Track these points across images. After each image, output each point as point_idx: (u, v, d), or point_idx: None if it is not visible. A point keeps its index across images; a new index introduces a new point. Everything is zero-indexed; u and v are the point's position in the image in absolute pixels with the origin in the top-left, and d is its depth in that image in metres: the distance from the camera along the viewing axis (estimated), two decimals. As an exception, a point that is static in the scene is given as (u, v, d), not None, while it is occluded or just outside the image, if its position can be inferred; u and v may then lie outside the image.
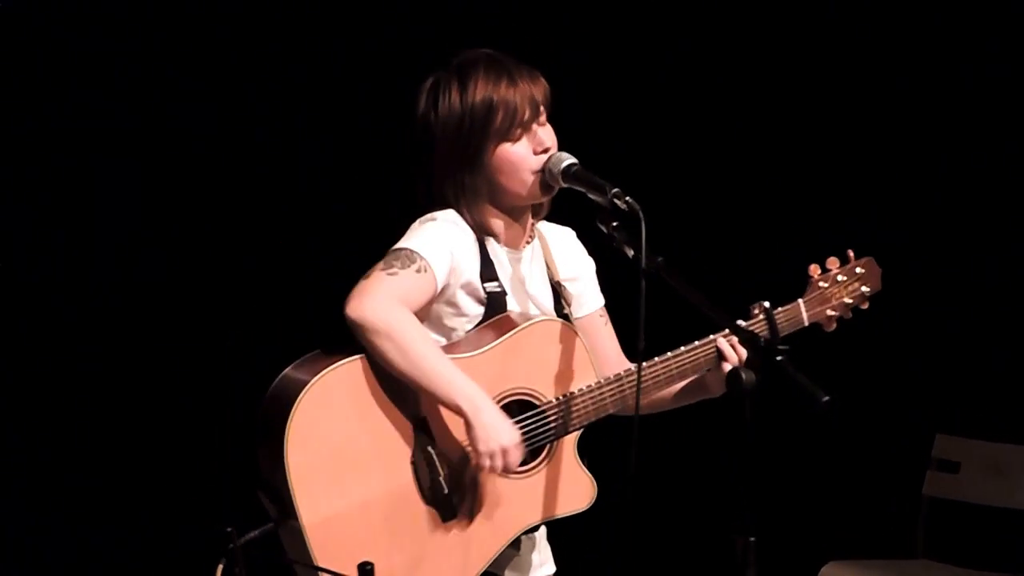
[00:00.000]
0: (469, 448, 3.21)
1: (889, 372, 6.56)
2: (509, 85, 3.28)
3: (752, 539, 2.97)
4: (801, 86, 6.62)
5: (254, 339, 7.59)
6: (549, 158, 3.30)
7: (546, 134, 3.32)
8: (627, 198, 3.16)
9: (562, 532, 3.48)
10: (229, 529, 3.02)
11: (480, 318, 3.31)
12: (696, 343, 3.36)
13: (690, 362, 3.36)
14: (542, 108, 3.32)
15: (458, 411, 3.16)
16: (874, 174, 6.55)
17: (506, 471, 3.19)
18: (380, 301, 3.14)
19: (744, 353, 3.31)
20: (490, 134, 3.27)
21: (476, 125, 3.27)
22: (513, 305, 3.34)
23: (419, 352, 3.14)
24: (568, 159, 3.29)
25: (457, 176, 3.30)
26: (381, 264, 3.21)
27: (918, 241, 6.40)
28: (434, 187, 3.33)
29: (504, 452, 3.16)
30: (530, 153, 3.30)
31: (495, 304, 3.31)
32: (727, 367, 3.34)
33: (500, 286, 3.33)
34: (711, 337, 3.37)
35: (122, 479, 8.01)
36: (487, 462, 3.16)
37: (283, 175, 7.85)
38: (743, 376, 3.03)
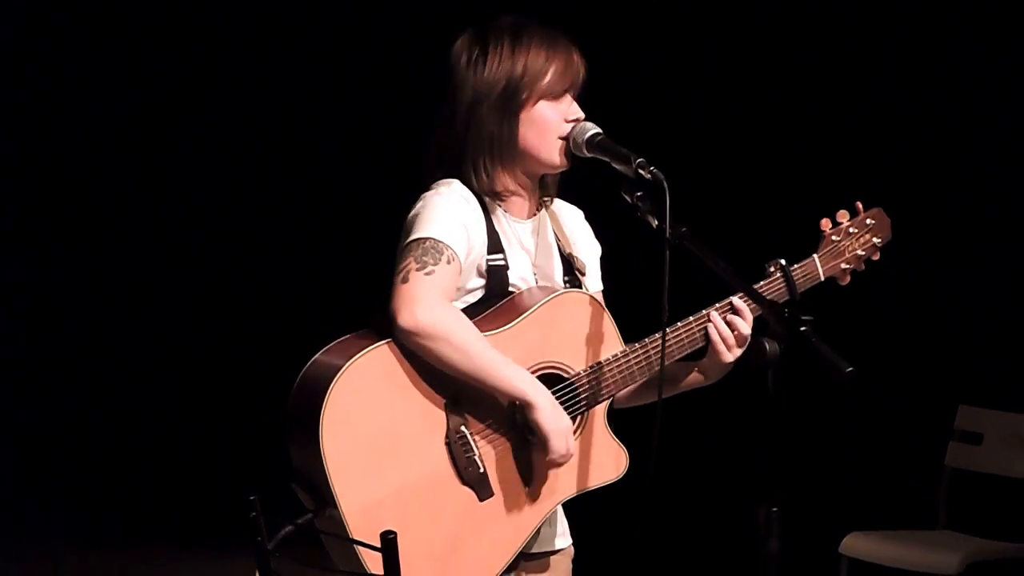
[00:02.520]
0: (504, 423, 3.23)
1: (912, 343, 6.55)
2: (564, 50, 3.32)
3: (775, 509, 2.96)
4: (813, 54, 6.63)
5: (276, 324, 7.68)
6: (574, 127, 3.30)
7: (576, 109, 3.34)
8: (651, 168, 3.16)
9: (579, 506, 3.47)
10: (252, 498, 3.02)
11: (481, 293, 3.31)
12: (703, 311, 3.34)
13: (699, 330, 3.34)
14: (580, 83, 3.34)
15: (524, 402, 3.20)
16: (894, 139, 6.54)
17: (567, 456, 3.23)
18: (430, 306, 3.16)
19: (744, 329, 3.29)
20: (538, 88, 3.29)
21: (528, 76, 3.28)
22: (515, 278, 3.33)
23: (476, 351, 3.17)
24: (593, 129, 3.29)
25: (493, 130, 3.29)
26: (413, 263, 3.20)
27: (941, 211, 6.39)
28: (457, 143, 3.32)
29: (568, 444, 3.22)
30: (561, 119, 3.31)
31: (495, 277, 3.31)
32: (721, 353, 3.31)
33: (504, 259, 3.32)
34: (727, 301, 3.34)
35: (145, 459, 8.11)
36: (563, 449, 3.21)
37: (285, 173, 7.93)
38: (767, 347, 3.02)
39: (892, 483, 6.55)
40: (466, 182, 3.33)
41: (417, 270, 3.19)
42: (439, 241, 3.22)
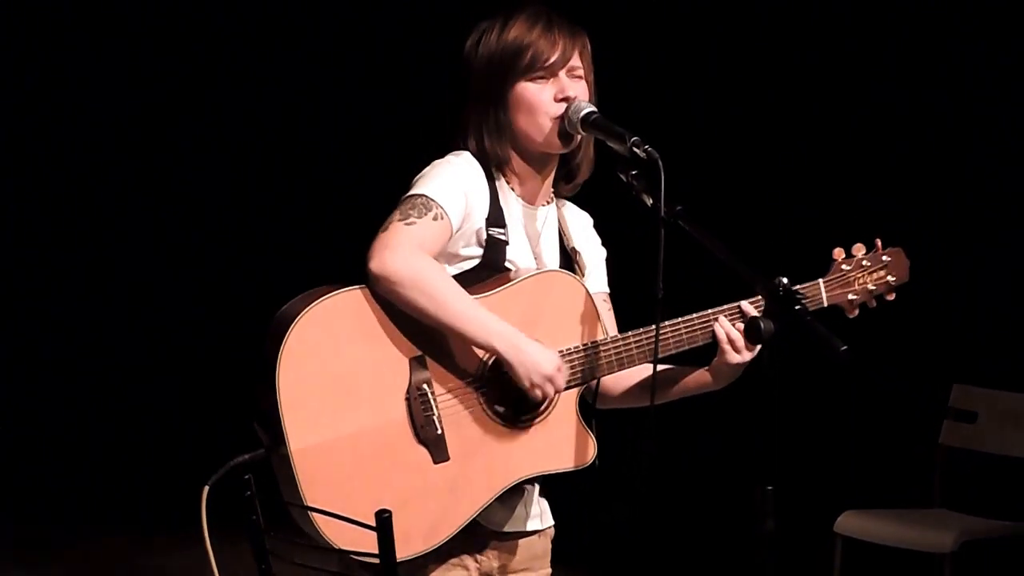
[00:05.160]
0: (469, 390, 3.21)
1: (906, 322, 6.55)
2: (543, 31, 3.30)
3: (770, 488, 2.96)
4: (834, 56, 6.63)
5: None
6: (569, 106, 3.28)
7: (573, 86, 3.31)
8: (646, 147, 3.14)
9: (561, 486, 3.46)
10: (247, 476, 3.02)
11: (477, 261, 3.29)
12: (708, 311, 3.31)
13: (700, 329, 3.30)
14: (573, 61, 3.32)
15: (493, 351, 3.17)
16: (894, 135, 6.55)
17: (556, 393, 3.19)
18: (401, 252, 3.14)
19: (741, 340, 3.25)
20: (515, 71, 3.28)
21: (505, 61, 3.28)
22: (515, 256, 3.32)
23: (447, 298, 3.14)
24: (588, 108, 3.28)
25: (487, 112, 3.30)
26: (397, 214, 3.19)
27: (936, 194, 6.39)
28: (464, 123, 3.33)
29: (550, 379, 3.17)
30: (551, 99, 3.29)
31: (494, 250, 3.29)
32: (727, 353, 3.27)
33: (505, 234, 3.31)
34: (723, 307, 3.31)
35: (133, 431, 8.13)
36: (539, 394, 3.17)
37: (286, 173, 7.95)
38: (762, 326, 3.02)
39: (887, 462, 6.56)
40: (475, 155, 3.33)
41: (399, 220, 3.18)
42: (430, 198, 3.21)
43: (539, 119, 3.29)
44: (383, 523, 2.89)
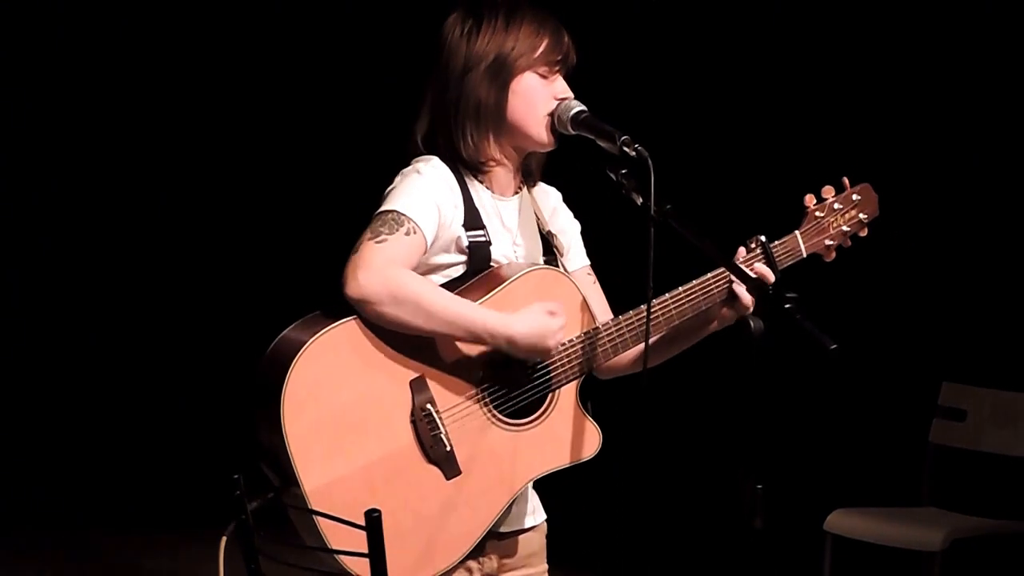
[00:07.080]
0: (471, 402, 3.22)
1: (896, 319, 6.56)
2: (555, 31, 3.33)
3: (759, 487, 2.97)
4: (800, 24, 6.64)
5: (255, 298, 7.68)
6: (559, 104, 3.30)
7: (565, 88, 3.34)
8: (636, 146, 3.15)
9: (558, 482, 3.46)
10: (236, 476, 3.02)
11: (462, 269, 3.29)
12: (708, 275, 3.32)
13: (703, 294, 3.32)
14: (570, 64, 3.35)
15: (492, 335, 3.17)
16: (881, 107, 6.55)
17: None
18: (375, 270, 3.13)
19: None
20: (528, 61, 3.29)
21: (519, 48, 3.28)
22: (498, 255, 3.32)
23: (430, 303, 3.14)
24: (578, 106, 3.29)
25: (480, 96, 3.29)
26: (368, 233, 3.19)
27: (927, 184, 6.39)
28: (438, 114, 3.32)
29: (553, 333, 3.20)
30: (549, 96, 3.31)
31: (478, 254, 3.29)
32: (744, 298, 3.28)
33: (485, 235, 3.31)
34: (723, 268, 3.31)
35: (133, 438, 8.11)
36: (553, 344, 3.20)
37: (283, 171, 7.94)
38: (751, 324, 3.03)
39: (876, 460, 6.57)
40: (449, 155, 3.31)
41: (369, 239, 3.17)
42: (401, 214, 3.20)
43: (536, 112, 3.30)
44: (372, 523, 2.89)
